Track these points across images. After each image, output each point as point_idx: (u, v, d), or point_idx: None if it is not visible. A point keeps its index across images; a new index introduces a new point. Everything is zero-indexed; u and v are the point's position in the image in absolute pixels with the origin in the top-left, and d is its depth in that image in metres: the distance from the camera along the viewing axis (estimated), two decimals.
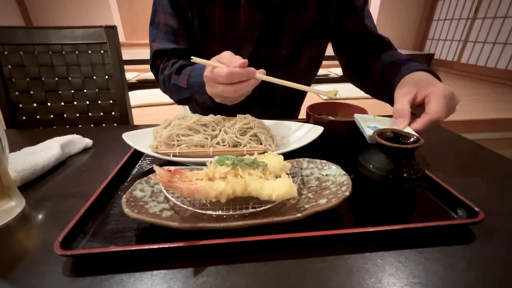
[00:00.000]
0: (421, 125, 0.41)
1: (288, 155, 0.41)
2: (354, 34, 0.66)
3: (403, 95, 0.44)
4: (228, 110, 0.55)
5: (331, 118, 0.56)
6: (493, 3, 2.51)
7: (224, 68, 0.41)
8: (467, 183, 0.43)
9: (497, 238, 0.31)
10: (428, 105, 0.42)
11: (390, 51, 0.63)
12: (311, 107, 0.56)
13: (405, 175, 0.34)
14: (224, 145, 0.46)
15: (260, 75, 0.43)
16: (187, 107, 0.87)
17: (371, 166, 0.36)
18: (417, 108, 0.44)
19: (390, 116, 0.36)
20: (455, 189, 0.36)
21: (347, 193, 0.32)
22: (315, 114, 0.53)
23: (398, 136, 0.38)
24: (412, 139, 0.36)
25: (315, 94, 0.53)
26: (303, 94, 0.85)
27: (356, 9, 0.65)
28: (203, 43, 0.64)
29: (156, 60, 0.65)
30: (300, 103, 0.86)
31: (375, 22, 0.67)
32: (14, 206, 0.36)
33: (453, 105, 0.44)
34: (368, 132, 0.42)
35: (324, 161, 0.40)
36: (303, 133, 0.50)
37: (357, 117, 0.46)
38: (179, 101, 0.66)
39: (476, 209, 0.32)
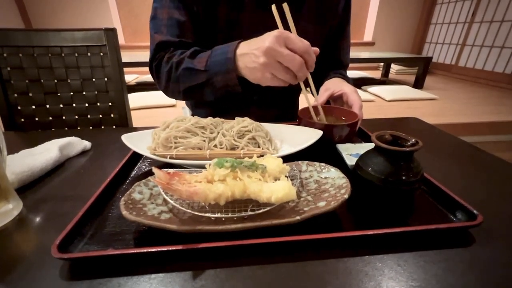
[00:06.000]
0: (324, 99, 0.60)
1: (287, 158, 0.41)
2: (330, 56, 0.75)
3: (325, 90, 0.62)
4: (227, 112, 0.54)
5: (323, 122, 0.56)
6: (490, 7, 2.54)
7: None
8: (466, 186, 0.43)
9: (496, 241, 0.31)
10: (348, 98, 0.57)
11: (341, 70, 0.76)
12: (303, 111, 0.56)
13: (404, 178, 0.34)
14: (221, 148, 0.46)
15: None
16: (187, 109, 0.86)
17: (370, 169, 0.36)
18: (336, 101, 0.62)
19: (369, 141, 0.39)
20: (454, 192, 0.36)
21: (346, 196, 0.32)
22: (306, 118, 0.53)
23: (396, 139, 0.38)
24: (410, 142, 0.36)
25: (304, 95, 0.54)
26: (297, 96, 0.85)
27: (343, 38, 0.75)
28: (209, 41, 0.62)
29: (159, 52, 0.60)
30: (296, 106, 0.86)
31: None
32: (12, 208, 0.35)
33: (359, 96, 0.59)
34: (349, 161, 0.44)
35: (323, 164, 0.40)
36: (302, 136, 0.50)
37: (339, 146, 0.49)
38: (187, 92, 0.59)
39: (475, 212, 0.32)
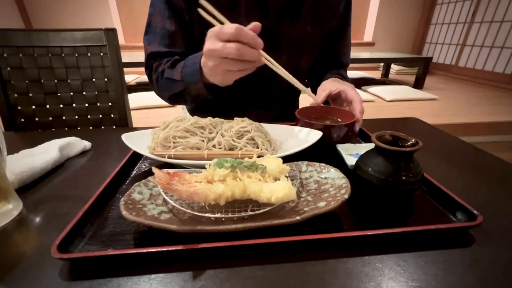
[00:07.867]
0: (322, 99, 0.60)
1: (287, 158, 0.41)
2: (330, 56, 0.76)
3: (322, 90, 0.61)
4: (225, 112, 0.54)
5: (321, 122, 0.56)
6: (490, 7, 2.54)
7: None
8: (465, 186, 0.43)
9: (496, 241, 0.31)
10: (347, 95, 0.58)
11: (341, 70, 0.76)
12: (300, 111, 0.56)
13: (404, 178, 0.34)
14: (220, 148, 0.46)
15: (265, 55, 0.44)
16: (186, 109, 0.86)
17: (370, 169, 0.36)
18: (335, 100, 0.63)
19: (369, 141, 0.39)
20: (454, 192, 0.36)
21: (346, 196, 0.32)
22: (304, 119, 0.53)
23: (396, 139, 0.38)
24: (410, 142, 0.36)
25: (307, 93, 0.56)
26: (297, 97, 0.85)
27: (344, 39, 0.74)
28: (202, 47, 0.63)
29: (151, 61, 0.64)
30: (296, 106, 0.86)
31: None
32: (12, 208, 0.36)
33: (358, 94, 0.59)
34: (349, 161, 0.44)
35: (323, 164, 0.40)
36: (302, 137, 0.50)
37: (339, 147, 0.49)
38: (171, 98, 0.63)
39: (475, 212, 0.32)
